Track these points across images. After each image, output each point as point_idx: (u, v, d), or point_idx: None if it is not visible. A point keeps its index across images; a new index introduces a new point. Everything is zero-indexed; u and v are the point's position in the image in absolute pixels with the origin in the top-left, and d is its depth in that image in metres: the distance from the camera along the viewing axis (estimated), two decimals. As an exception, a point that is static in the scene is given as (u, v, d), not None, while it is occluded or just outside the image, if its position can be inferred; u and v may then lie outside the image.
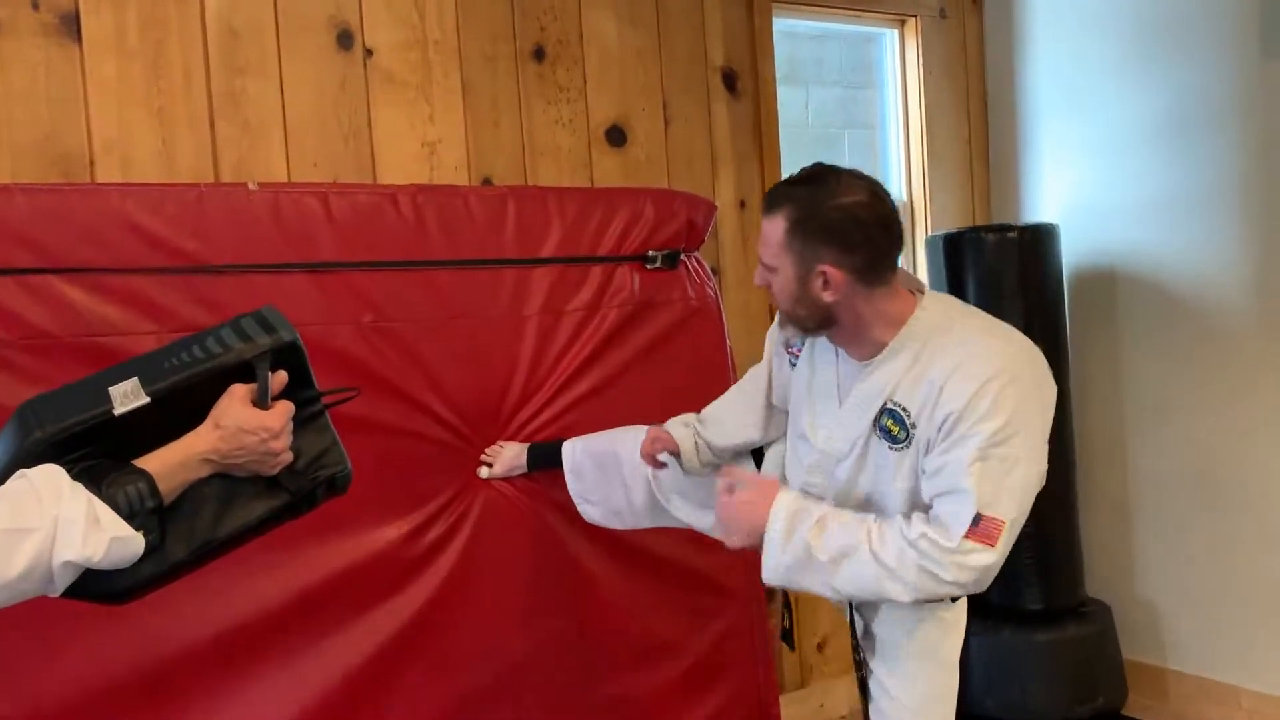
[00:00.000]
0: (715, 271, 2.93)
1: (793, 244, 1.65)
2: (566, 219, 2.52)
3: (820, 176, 1.68)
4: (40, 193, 2.02)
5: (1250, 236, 3.03)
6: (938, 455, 1.62)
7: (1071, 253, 3.34)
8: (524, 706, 2.43)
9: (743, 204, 3.12)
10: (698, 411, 2.22)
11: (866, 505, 1.76)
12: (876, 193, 1.67)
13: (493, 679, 2.40)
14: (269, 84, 2.43)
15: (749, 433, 2.11)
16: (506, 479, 2.43)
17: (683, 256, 2.71)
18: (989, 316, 1.76)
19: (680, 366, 2.69)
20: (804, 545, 1.65)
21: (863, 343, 1.72)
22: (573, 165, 2.82)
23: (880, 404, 1.71)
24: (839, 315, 1.68)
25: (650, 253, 2.63)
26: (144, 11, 2.29)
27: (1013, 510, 1.58)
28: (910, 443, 1.68)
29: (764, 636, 2.84)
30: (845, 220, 1.62)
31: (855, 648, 1.94)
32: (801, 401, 1.88)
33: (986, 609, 3.19)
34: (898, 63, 3.59)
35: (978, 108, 3.67)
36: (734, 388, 2.23)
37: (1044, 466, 1.64)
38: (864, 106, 3.59)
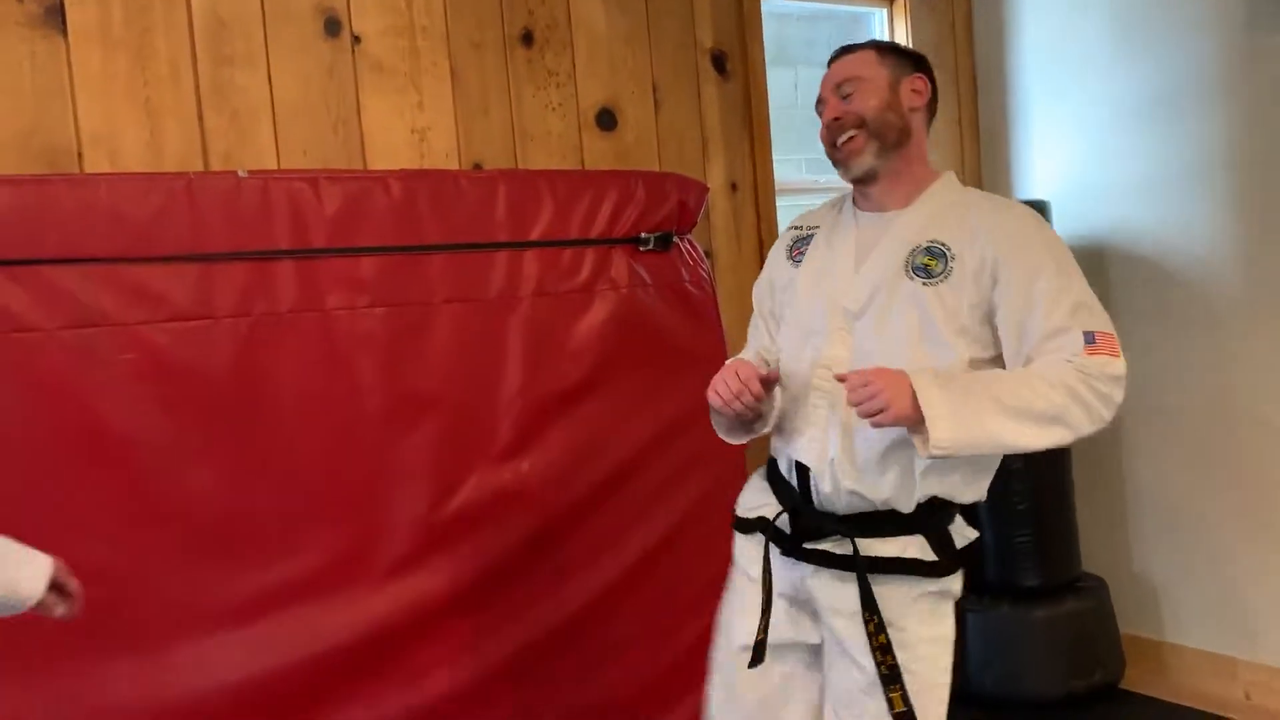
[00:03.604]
0: (708, 254, 2.93)
1: (885, 61, 1.84)
2: (558, 201, 2.52)
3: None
4: (26, 184, 2.01)
5: (1239, 210, 3.03)
6: (1015, 299, 1.69)
7: (1062, 229, 3.33)
8: (508, 707, 2.43)
9: (734, 186, 3.12)
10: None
11: None
12: None
13: (476, 680, 2.39)
14: (257, 73, 2.42)
15: None
16: (506, 467, 2.42)
17: (675, 239, 2.71)
18: None
19: (674, 348, 2.69)
20: (962, 386, 1.64)
21: (902, 182, 1.83)
22: (563, 150, 2.81)
23: (915, 244, 1.78)
24: (910, 128, 1.83)
25: (643, 235, 2.62)
26: (129, 2, 2.27)
27: (1110, 326, 1.69)
28: (948, 275, 1.74)
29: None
30: (921, 56, 1.91)
31: (876, 648, 1.83)
32: (810, 287, 1.89)
33: (983, 585, 3.20)
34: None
35: (967, 86, 3.67)
36: (751, 336, 2.16)
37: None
38: (854, 87, 3.58)
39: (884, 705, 1.74)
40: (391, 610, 2.29)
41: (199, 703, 2.08)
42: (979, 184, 3.68)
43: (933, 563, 1.77)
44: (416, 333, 2.34)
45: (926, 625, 1.79)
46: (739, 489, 2.81)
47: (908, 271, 1.76)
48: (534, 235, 2.49)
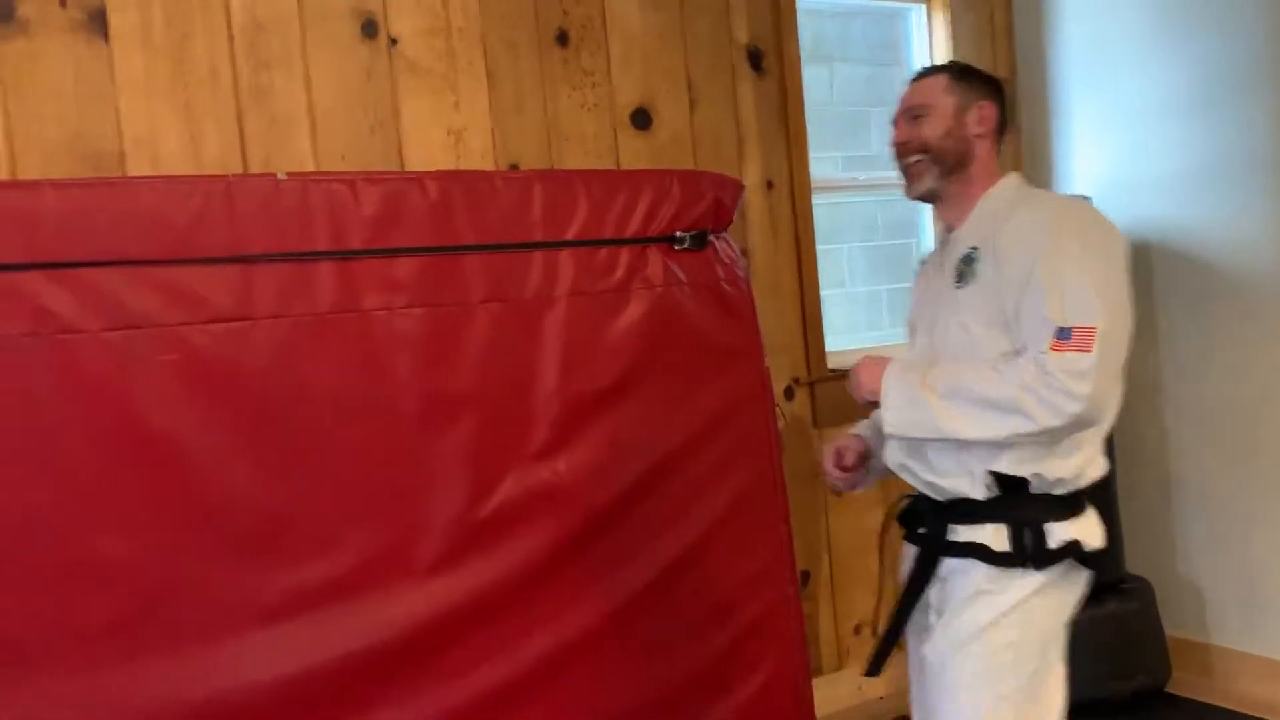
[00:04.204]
0: (744, 252, 2.92)
1: (956, 87, 1.94)
2: (593, 201, 2.51)
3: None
4: (70, 187, 2.03)
5: (1289, 204, 2.97)
6: (1016, 287, 1.76)
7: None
8: (547, 707, 2.42)
9: (770, 184, 3.10)
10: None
11: None
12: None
13: (523, 673, 2.39)
14: (294, 76, 2.44)
15: None
16: (543, 466, 2.43)
17: (711, 237, 2.69)
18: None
19: (710, 347, 2.67)
20: (922, 375, 1.82)
21: (963, 201, 1.94)
22: (599, 149, 2.81)
23: (960, 255, 1.90)
24: (973, 153, 1.92)
25: (678, 233, 2.61)
26: (169, 6, 2.30)
27: (1099, 319, 1.67)
28: (974, 276, 1.85)
29: (798, 620, 2.82)
30: (993, 80, 1.99)
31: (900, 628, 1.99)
32: (913, 306, 2.13)
33: (1025, 587, 3.16)
34: (925, 38, 3.55)
35: (1006, 83, 3.62)
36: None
37: (1124, 307, 1.74)
38: (890, 84, 3.55)
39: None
40: (429, 609, 2.29)
41: (238, 701, 2.09)
42: (1018, 180, 3.63)
43: (1002, 553, 1.80)
44: (453, 333, 2.34)
45: (979, 620, 1.80)
46: (775, 488, 2.81)
47: (954, 283, 1.90)
48: (569, 235, 2.49)
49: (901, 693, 3.29)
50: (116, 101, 2.25)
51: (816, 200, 3.22)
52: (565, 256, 2.49)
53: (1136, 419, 3.34)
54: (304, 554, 2.19)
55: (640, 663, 2.55)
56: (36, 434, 1.97)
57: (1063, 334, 1.67)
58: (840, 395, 3.23)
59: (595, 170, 2.69)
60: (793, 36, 3.14)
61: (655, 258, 2.60)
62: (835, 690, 3.18)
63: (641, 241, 2.58)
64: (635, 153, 2.87)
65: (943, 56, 3.50)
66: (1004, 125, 1.97)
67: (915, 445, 1.90)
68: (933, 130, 1.92)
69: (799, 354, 3.18)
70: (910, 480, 1.96)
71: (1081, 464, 1.85)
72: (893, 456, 1.98)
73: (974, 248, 1.88)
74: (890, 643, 2.00)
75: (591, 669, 2.48)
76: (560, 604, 2.45)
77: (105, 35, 2.24)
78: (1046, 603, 1.83)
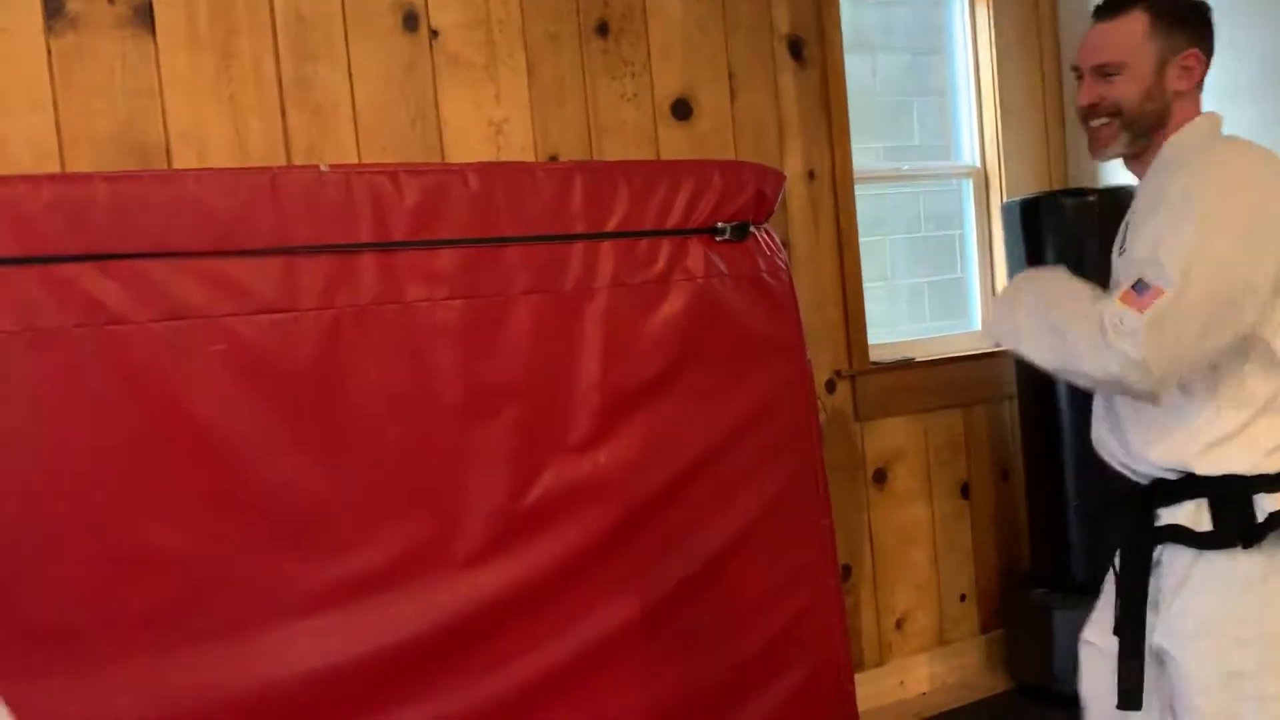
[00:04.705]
0: (785, 244, 2.89)
1: (1156, 34, 1.66)
2: (634, 192, 2.50)
3: None
4: (119, 180, 2.06)
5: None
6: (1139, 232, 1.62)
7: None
8: (587, 699, 2.42)
9: (811, 174, 3.07)
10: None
11: None
12: None
13: (563, 666, 2.39)
14: (337, 69, 2.45)
15: None
16: (584, 459, 2.42)
17: (752, 228, 2.68)
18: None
19: (752, 339, 2.66)
20: (1033, 286, 1.71)
21: (1151, 151, 1.72)
22: (639, 140, 2.80)
23: (1126, 218, 1.74)
24: (1171, 111, 1.68)
25: (719, 224, 2.60)
26: (214, 1, 2.32)
27: (1173, 286, 1.48)
28: (1124, 243, 1.69)
29: (840, 614, 2.80)
30: (1200, 7, 1.70)
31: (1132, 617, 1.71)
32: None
33: (1070, 584, 3.11)
34: (968, 26, 3.50)
35: (1052, 68, 3.57)
36: None
37: (1248, 268, 1.52)
38: (933, 73, 3.51)
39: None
40: (470, 601, 2.30)
41: (286, 689, 2.11)
42: (1064, 170, 3.58)
43: (1204, 534, 1.60)
44: (494, 324, 2.35)
45: (1198, 612, 1.61)
46: (816, 481, 2.79)
47: (1117, 250, 1.75)
48: (610, 226, 2.48)
49: (945, 689, 3.28)
50: (162, 95, 2.28)
51: (859, 191, 3.19)
52: (606, 248, 2.48)
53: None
54: (347, 544, 2.20)
55: (681, 656, 2.55)
56: (87, 425, 2.00)
57: (1138, 287, 1.51)
58: (882, 388, 3.21)
59: (636, 161, 2.68)
60: (834, 25, 3.11)
61: (696, 249, 2.59)
62: (877, 685, 3.16)
63: (682, 233, 2.57)
64: (675, 143, 2.85)
65: (986, 46, 3.45)
66: (1208, 62, 1.69)
67: (1115, 422, 1.71)
68: (1128, 91, 1.66)
69: (841, 346, 3.15)
70: (1108, 459, 1.75)
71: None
72: (1095, 431, 1.78)
73: (1133, 210, 1.71)
74: (1132, 663, 1.67)
75: (631, 662, 2.48)
76: (600, 597, 2.45)
77: (152, 30, 2.26)
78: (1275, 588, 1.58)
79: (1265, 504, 1.57)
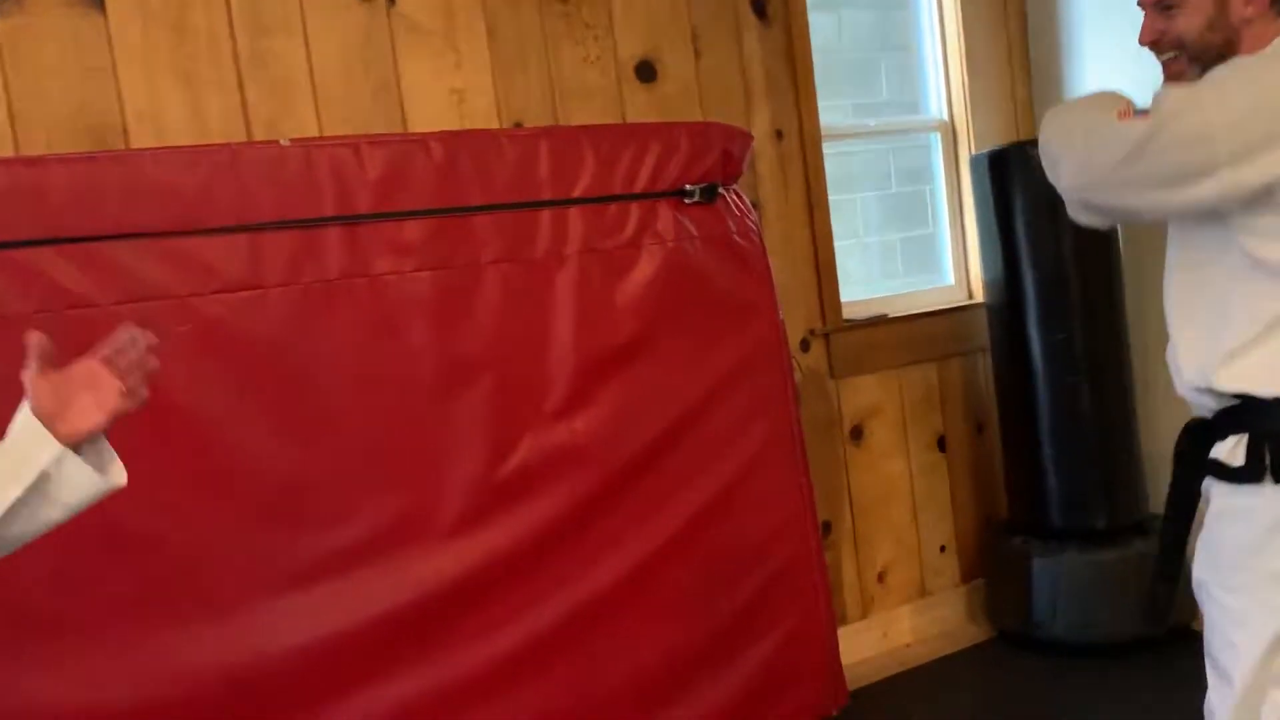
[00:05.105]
0: (755, 205, 2.89)
1: None
2: (600, 157, 2.48)
3: None
4: (75, 162, 2.03)
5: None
6: None
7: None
8: (572, 662, 2.44)
9: (779, 134, 3.06)
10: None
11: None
12: None
13: (550, 630, 2.41)
14: (294, 41, 2.41)
15: None
16: (561, 426, 2.42)
17: (721, 190, 2.67)
18: None
19: (724, 301, 2.66)
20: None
21: None
22: (604, 104, 2.78)
23: None
24: (1240, 39, 1.60)
25: (688, 187, 2.58)
26: (165, -25, 2.28)
27: (1155, 116, 1.52)
28: None
29: (821, 570, 2.83)
30: None
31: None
32: None
33: (1049, 530, 3.15)
34: (932, -21, 3.48)
35: (1017, 20, 3.55)
36: None
37: (1226, 133, 1.50)
38: (899, 28, 3.49)
39: None
40: (455, 570, 2.31)
41: (272, 664, 2.12)
42: (1032, 121, 3.58)
43: (1237, 469, 1.60)
44: (465, 294, 2.34)
45: (1233, 543, 1.61)
46: (793, 440, 2.80)
47: None
48: (577, 192, 2.47)
49: (928, 640, 3.31)
50: (116, 74, 2.24)
51: (827, 149, 3.18)
52: (575, 214, 2.47)
53: (1155, 353, 3.31)
54: (329, 519, 2.20)
55: (666, 617, 2.57)
56: (54, 410, 1.98)
57: (1136, 110, 1.54)
58: (856, 345, 3.22)
59: (601, 125, 2.65)
60: (797, -18, 3.08)
61: (665, 212, 2.58)
62: (861, 639, 3.19)
63: (651, 196, 2.56)
64: (641, 107, 2.83)
65: (951, 1, 3.44)
66: None
67: (1173, 352, 1.71)
68: (1189, 25, 1.60)
69: (814, 306, 3.15)
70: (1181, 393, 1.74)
71: None
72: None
73: None
74: (1163, 586, 1.75)
75: (618, 624, 2.49)
76: (584, 561, 2.46)
77: (102, 7, 2.22)
78: None
79: None
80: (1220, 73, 1.55)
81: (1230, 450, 1.61)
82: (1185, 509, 1.69)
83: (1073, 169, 1.65)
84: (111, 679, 2.01)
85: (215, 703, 2.07)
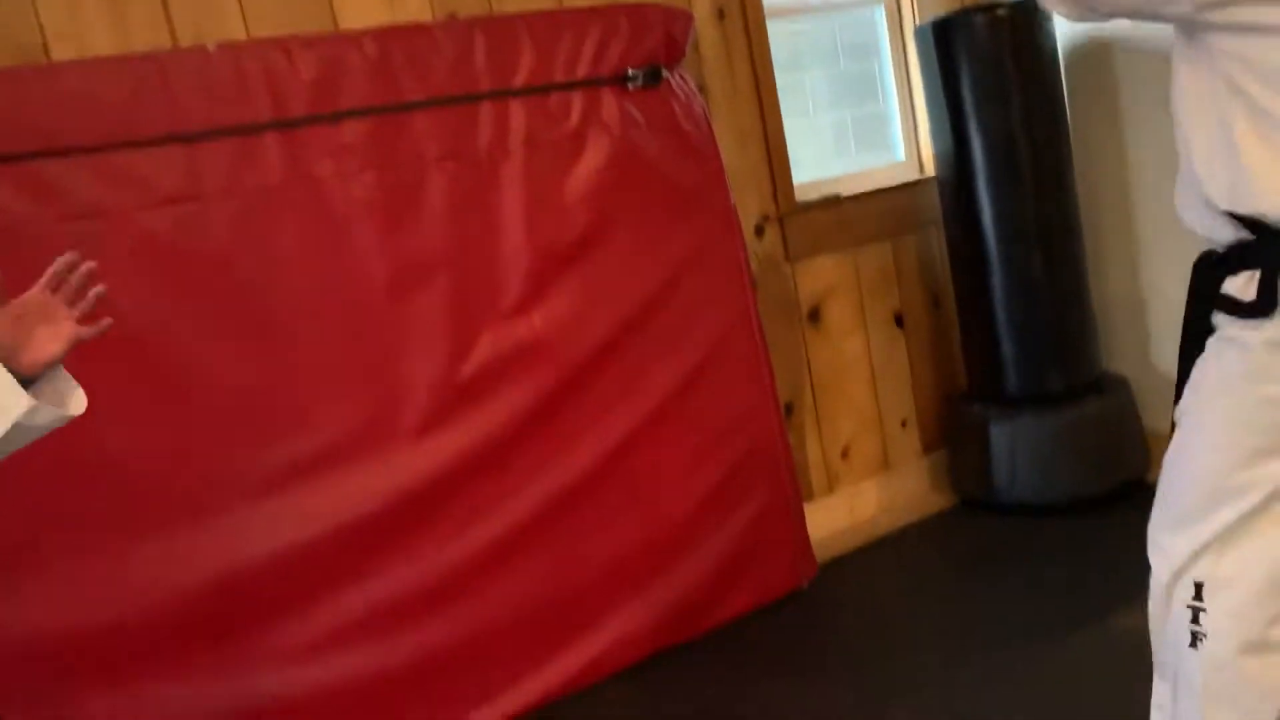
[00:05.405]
0: (700, 89, 2.85)
1: None
2: (538, 44, 2.44)
3: None
4: (-4, 78, 1.97)
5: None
6: None
7: (1065, 25, 3.21)
8: (541, 556, 2.49)
9: (721, 13, 3.01)
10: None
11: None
12: None
13: (525, 521, 2.46)
14: (214, -59, 2.33)
15: None
16: (518, 322, 2.42)
17: (665, 74, 2.63)
18: None
19: (675, 188, 2.65)
20: None
21: None
22: (540, -9, 2.71)
23: None
24: None
25: (630, 71, 2.55)
26: (70, -123, 2.18)
27: None
28: None
29: (785, 450, 2.88)
30: None
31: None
32: None
33: (1006, 397, 3.22)
34: None
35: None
36: None
37: None
38: (839, -102, 3.41)
39: None
40: (428, 467, 2.34)
41: (254, 568, 2.15)
42: None
43: (1247, 303, 1.59)
44: (411, 194, 2.31)
45: (1219, 369, 1.62)
46: (751, 325, 2.83)
47: None
48: (517, 83, 2.43)
49: (893, 511, 3.41)
50: (31, -12, 2.15)
51: (772, 28, 3.13)
52: (516, 106, 2.43)
53: (1105, 217, 3.34)
54: (291, 428, 2.22)
55: (637, 502, 2.62)
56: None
57: None
58: (811, 227, 3.23)
59: (537, 11, 2.59)
60: None
61: (609, 100, 2.55)
62: (828, 514, 3.27)
63: (593, 84, 2.53)
64: (578, -7, 2.76)
65: None
66: None
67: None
68: None
69: (766, 190, 3.14)
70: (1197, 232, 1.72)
71: None
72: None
73: None
74: None
75: (590, 511, 2.54)
76: (553, 453, 2.50)
77: (7, -85, 2.13)
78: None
79: None
80: None
81: (1242, 286, 1.62)
82: (1198, 345, 1.69)
83: None
84: (102, 598, 2.04)
85: (205, 609, 2.11)
